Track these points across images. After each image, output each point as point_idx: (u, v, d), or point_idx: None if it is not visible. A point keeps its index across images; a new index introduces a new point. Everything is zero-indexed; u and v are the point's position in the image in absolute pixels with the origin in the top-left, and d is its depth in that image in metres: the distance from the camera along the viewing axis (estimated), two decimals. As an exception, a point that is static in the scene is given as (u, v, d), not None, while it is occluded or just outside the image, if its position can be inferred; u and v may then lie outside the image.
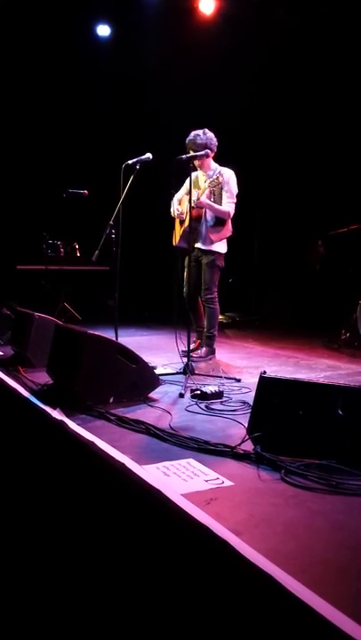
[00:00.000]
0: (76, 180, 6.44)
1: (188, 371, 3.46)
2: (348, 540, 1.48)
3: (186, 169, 3.92)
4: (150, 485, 1.78)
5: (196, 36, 6.93)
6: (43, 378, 3.34)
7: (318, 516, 1.61)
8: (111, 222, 4.02)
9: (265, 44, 6.69)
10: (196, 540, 1.50)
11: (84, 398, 2.81)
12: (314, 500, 1.72)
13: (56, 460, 2.47)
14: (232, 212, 4.37)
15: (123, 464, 1.96)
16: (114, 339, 3.45)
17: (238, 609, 1.28)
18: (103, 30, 7.94)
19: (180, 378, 3.44)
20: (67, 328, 3.40)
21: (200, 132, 4.28)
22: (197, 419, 2.69)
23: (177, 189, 4.50)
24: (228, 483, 1.86)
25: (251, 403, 2.41)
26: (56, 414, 2.62)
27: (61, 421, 2.52)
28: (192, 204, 3.98)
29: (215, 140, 4.30)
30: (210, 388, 3.05)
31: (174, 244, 4.57)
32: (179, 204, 4.55)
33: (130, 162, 4.00)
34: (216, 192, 4.30)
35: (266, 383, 2.20)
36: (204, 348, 4.43)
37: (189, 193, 3.89)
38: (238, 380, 3.50)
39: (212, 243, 4.33)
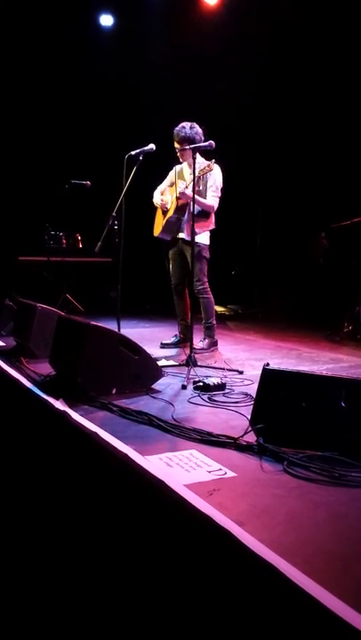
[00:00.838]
0: (78, 170, 6.42)
1: (190, 362, 3.46)
2: (349, 531, 1.48)
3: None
4: (153, 476, 1.78)
5: (200, 26, 6.89)
6: (45, 369, 3.34)
7: (320, 507, 1.62)
8: (114, 213, 4.00)
9: (268, 36, 6.64)
10: (198, 531, 1.51)
11: (86, 389, 2.82)
12: (316, 491, 1.72)
13: (59, 451, 2.47)
14: (216, 205, 4.36)
15: (126, 455, 1.97)
16: (116, 330, 3.44)
17: (241, 599, 1.29)
18: (106, 20, 7.89)
19: (183, 370, 3.45)
20: (69, 319, 3.40)
21: (187, 125, 4.27)
22: (200, 410, 2.69)
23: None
24: (230, 474, 1.86)
25: (253, 395, 2.41)
26: (59, 405, 2.63)
27: (64, 412, 2.52)
28: (177, 195, 3.96)
29: (201, 133, 4.25)
30: (212, 380, 3.05)
31: (155, 234, 4.56)
32: (162, 195, 4.54)
33: (133, 153, 3.98)
34: (201, 185, 4.27)
35: (269, 375, 2.20)
36: (206, 340, 4.43)
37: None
38: (241, 372, 3.50)
39: (195, 234, 4.28)
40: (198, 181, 4.22)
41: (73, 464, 2.31)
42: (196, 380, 3.13)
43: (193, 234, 3.74)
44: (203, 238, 4.38)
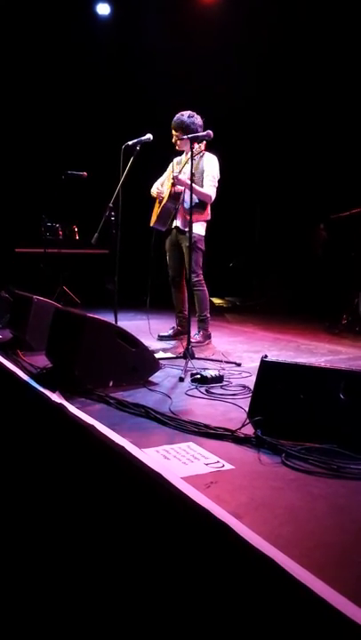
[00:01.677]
0: (75, 161, 6.38)
1: (188, 355, 3.45)
2: (348, 524, 1.47)
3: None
4: (150, 469, 1.77)
5: (198, 14, 6.83)
6: (42, 361, 3.32)
7: (319, 499, 1.61)
8: (111, 204, 3.97)
9: (267, 27, 6.58)
10: (196, 523, 1.49)
11: (83, 382, 2.80)
12: (315, 483, 1.71)
13: (55, 444, 2.46)
14: (213, 195, 4.25)
15: (123, 447, 1.95)
16: (113, 322, 3.43)
17: (240, 592, 1.28)
18: (103, 9, 7.81)
19: (180, 362, 3.43)
20: (66, 311, 3.38)
21: (185, 113, 4.20)
22: (197, 403, 2.68)
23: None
24: (228, 466, 1.85)
25: (251, 387, 2.39)
26: (55, 398, 2.61)
27: (61, 405, 2.51)
28: (173, 181, 3.92)
29: (199, 123, 4.17)
30: (210, 373, 3.03)
31: (151, 224, 4.51)
32: (161, 186, 4.50)
33: (130, 143, 3.94)
34: (197, 173, 4.20)
35: (267, 367, 2.18)
36: (200, 333, 4.41)
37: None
38: (238, 365, 3.48)
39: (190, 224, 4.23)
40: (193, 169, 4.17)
41: (70, 457, 2.30)
42: (194, 372, 3.12)
43: (191, 222, 3.67)
44: (198, 229, 4.30)
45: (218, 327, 4.58)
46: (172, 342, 4.48)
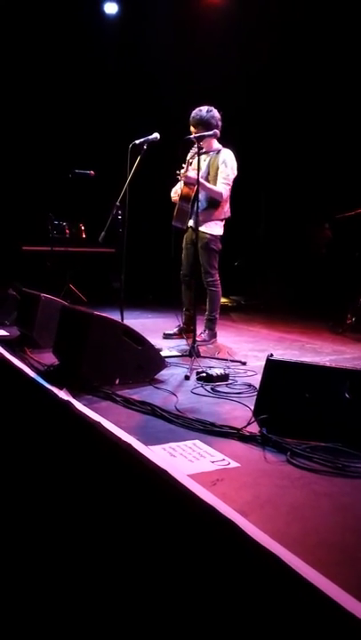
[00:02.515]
0: (82, 160, 6.39)
1: (193, 353, 3.46)
2: (353, 522, 1.49)
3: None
4: (156, 466, 1.78)
5: (204, 11, 6.82)
6: (49, 359, 3.34)
7: (324, 497, 1.62)
8: (118, 203, 3.98)
9: (273, 23, 6.57)
10: (202, 521, 1.51)
11: (90, 379, 2.82)
12: (319, 482, 1.73)
13: (62, 441, 2.48)
14: (225, 193, 4.20)
15: (129, 444, 1.97)
16: (120, 320, 3.44)
17: (245, 589, 1.30)
18: (110, 8, 7.82)
19: (186, 360, 3.45)
20: (73, 309, 3.40)
21: (204, 109, 4.14)
22: (203, 401, 2.69)
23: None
24: (234, 464, 1.87)
25: (256, 386, 2.41)
26: (62, 395, 2.63)
27: (68, 402, 2.53)
28: (183, 179, 3.92)
29: (218, 117, 4.13)
30: (215, 371, 3.05)
31: (172, 222, 4.50)
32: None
33: (137, 141, 3.94)
34: (212, 172, 4.18)
35: (273, 366, 2.20)
36: (207, 332, 4.42)
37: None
38: (244, 363, 3.49)
39: (204, 223, 4.19)
40: (208, 167, 4.17)
41: (76, 454, 2.31)
42: (200, 370, 3.13)
43: (197, 222, 3.68)
44: (212, 229, 4.25)
45: (223, 326, 4.58)
46: (178, 340, 4.48)
